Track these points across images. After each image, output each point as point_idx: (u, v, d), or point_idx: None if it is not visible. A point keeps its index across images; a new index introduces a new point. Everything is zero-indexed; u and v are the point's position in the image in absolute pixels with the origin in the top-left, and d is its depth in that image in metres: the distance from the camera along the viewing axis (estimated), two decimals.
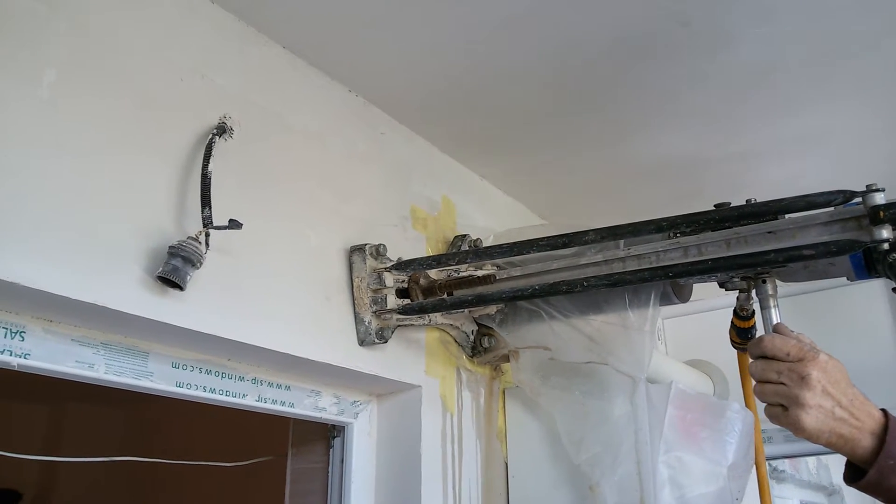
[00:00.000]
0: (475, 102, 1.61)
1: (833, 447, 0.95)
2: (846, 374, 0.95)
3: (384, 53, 1.44)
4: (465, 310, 1.55)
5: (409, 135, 1.70)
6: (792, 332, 1.00)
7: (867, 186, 1.03)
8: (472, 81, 1.54)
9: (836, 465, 4.54)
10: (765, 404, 0.98)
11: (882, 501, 0.96)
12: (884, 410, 0.96)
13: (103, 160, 1.05)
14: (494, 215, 1.93)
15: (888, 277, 1.05)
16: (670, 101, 1.61)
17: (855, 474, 0.97)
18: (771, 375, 0.95)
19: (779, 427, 2.14)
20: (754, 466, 1.40)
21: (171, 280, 1.04)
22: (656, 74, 1.51)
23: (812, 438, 0.93)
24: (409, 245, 1.60)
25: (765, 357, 0.96)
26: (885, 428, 0.93)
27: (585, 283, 1.23)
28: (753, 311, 1.23)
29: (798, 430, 0.93)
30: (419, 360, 1.54)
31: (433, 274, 1.49)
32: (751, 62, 1.47)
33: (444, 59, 1.46)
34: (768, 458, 2.28)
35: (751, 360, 1.00)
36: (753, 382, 1.00)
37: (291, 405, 1.40)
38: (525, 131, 1.74)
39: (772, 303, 1.15)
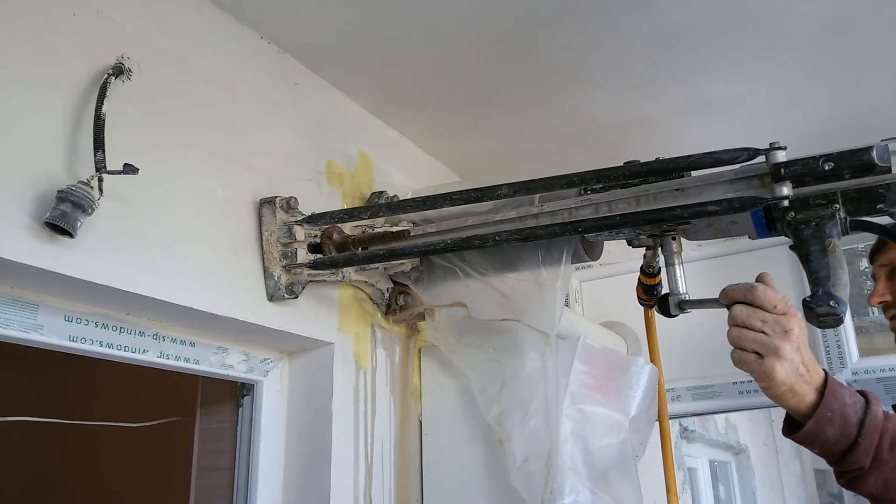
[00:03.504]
0: (394, 57, 1.57)
1: (780, 399, 0.97)
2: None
3: None
4: (379, 266, 1.53)
5: (325, 87, 1.65)
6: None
7: (770, 144, 1.04)
8: (392, 35, 1.50)
9: (742, 424, 4.76)
10: (732, 349, 0.99)
11: (816, 452, 1.00)
12: (824, 370, 1.01)
13: None
14: (414, 173, 1.91)
15: (786, 235, 1.07)
16: (589, 61, 1.60)
17: (792, 427, 1.01)
18: (755, 323, 0.96)
19: (687, 385, 2.22)
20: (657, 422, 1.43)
21: (59, 226, 0.99)
22: (575, 33, 1.50)
23: (772, 389, 0.95)
24: (325, 201, 1.56)
25: (751, 305, 0.98)
26: (825, 384, 0.97)
27: (497, 238, 1.23)
28: (659, 269, 1.25)
29: (765, 379, 0.95)
30: (332, 316, 1.51)
31: (347, 230, 1.46)
32: (668, 22, 1.47)
33: (362, 9, 1.41)
34: (677, 416, 2.37)
35: (732, 305, 0.99)
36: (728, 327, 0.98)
37: (196, 362, 1.35)
38: (445, 89, 1.71)
39: (676, 260, 1.17)
